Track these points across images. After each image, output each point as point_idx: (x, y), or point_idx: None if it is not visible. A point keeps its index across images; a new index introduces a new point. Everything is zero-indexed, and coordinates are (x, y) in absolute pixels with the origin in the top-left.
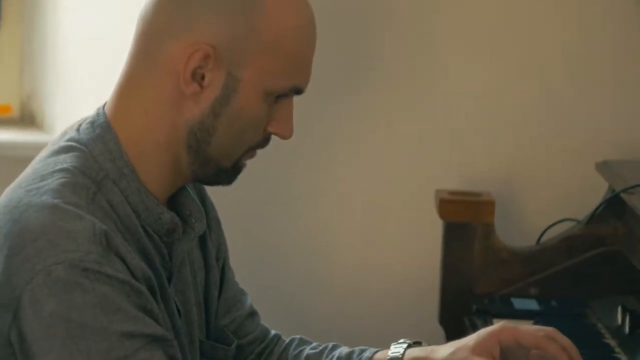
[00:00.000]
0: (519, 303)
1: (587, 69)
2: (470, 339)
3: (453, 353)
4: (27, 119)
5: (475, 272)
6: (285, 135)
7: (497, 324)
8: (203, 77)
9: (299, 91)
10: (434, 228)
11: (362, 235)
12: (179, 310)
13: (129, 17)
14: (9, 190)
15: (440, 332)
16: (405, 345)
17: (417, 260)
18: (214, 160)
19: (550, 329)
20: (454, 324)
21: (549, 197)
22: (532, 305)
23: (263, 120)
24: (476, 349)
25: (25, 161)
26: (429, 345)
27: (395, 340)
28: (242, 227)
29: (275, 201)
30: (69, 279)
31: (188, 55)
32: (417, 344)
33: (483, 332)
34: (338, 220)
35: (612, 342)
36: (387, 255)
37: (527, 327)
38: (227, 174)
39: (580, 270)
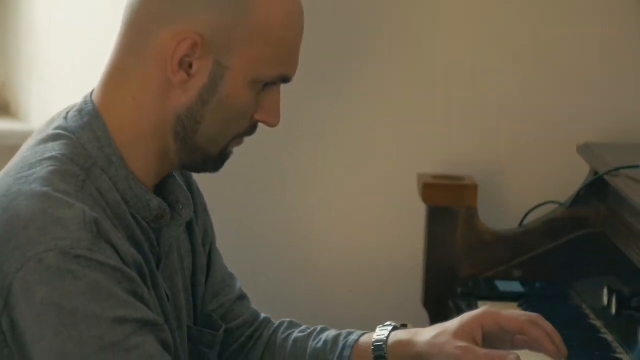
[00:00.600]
0: (503, 285)
1: (569, 53)
2: (453, 323)
3: (435, 337)
4: (1, 107)
5: (459, 255)
6: (273, 123)
7: (480, 309)
8: (191, 66)
9: (286, 79)
10: (417, 212)
11: (346, 219)
12: (167, 296)
13: (105, 4)
14: None
15: (424, 314)
16: (390, 328)
17: (401, 243)
18: (201, 148)
19: (533, 315)
20: (437, 307)
21: (531, 180)
22: (517, 287)
23: (250, 108)
24: (458, 333)
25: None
26: (415, 328)
27: (380, 323)
28: (229, 213)
29: (261, 188)
30: (60, 266)
31: (176, 43)
32: (403, 326)
33: (466, 316)
34: (322, 205)
35: (598, 323)
36: (371, 240)
37: (510, 312)
38: (214, 162)
39: (564, 252)
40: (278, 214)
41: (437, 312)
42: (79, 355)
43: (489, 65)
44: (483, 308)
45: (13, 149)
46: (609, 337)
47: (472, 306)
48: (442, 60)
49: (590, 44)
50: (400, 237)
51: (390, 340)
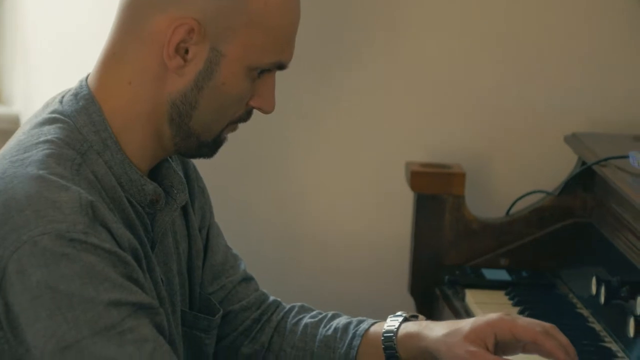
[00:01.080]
0: (490, 273)
1: (558, 42)
2: (466, 324)
3: (446, 335)
4: None
5: (446, 243)
6: (268, 109)
7: (495, 315)
8: (187, 51)
9: (282, 66)
10: (404, 200)
11: (333, 205)
12: (162, 280)
13: None
14: None
15: (410, 301)
16: (401, 319)
17: (389, 231)
18: (195, 134)
19: (548, 325)
20: (424, 294)
21: (518, 169)
22: (503, 275)
23: (245, 94)
24: (470, 336)
25: None
26: (426, 320)
27: (367, 309)
28: (223, 194)
29: (254, 173)
30: (56, 249)
31: (172, 29)
32: (414, 317)
33: (480, 319)
34: (312, 191)
35: (586, 312)
36: (359, 226)
37: (525, 321)
38: (209, 147)
39: (550, 241)
40: (270, 199)
41: (424, 299)
42: (74, 337)
43: (478, 54)
44: (498, 315)
45: None
46: (597, 327)
47: (458, 294)
48: (431, 50)
49: (581, 34)
50: (388, 224)
51: (401, 331)
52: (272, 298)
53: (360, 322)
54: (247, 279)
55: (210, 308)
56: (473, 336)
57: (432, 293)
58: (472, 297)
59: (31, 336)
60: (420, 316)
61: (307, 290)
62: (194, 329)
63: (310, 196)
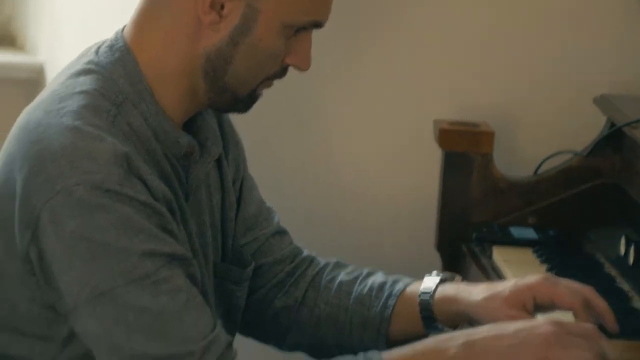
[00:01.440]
0: (517, 232)
1: (587, 3)
2: (505, 288)
3: (486, 299)
4: (8, 40)
5: (473, 201)
6: (303, 67)
7: (535, 277)
8: (222, 7)
9: (318, 25)
10: (432, 158)
11: (364, 161)
12: (195, 232)
13: None
14: (26, 112)
15: (437, 257)
16: (437, 280)
17: (415, 187)
18: (230, 89)
19: (587, 290)
20: (451, 251)
21: (547, 130)
22: (531, 234)
23: (281, 52)
24: (510, 299)
25: (4, 81)
26: (462, 281)
27: (394, 263)
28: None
29: (285, 130)
30: (91, 200)
31: None
32: (450, 277)
33: (520, 282)
34: (341, 147)
35: (614, 272)
36: (386, 184)
37: (565, 287)
38: (243, 103)
39: (578, 201)
40: (303, 155)
41: (451, 255)
42: (108, 286)
43: (507, 13)
44: (538, 278)
45: (21, 82)
46: (625, 287)
47: (486, 251)
48: (461, 9)
49: None
50: (415, 181)
51: (438, 294)
52: (306, 252)
53: (395, 282)
54: (281, 232)
55: (242, 260)
56: (513, 300)
57: (459, 250)
58: (499, 254)
59: (65, 284)
60: (458, 276)
61: (339, 245)
62: (225, 280)
63: (341, 152)
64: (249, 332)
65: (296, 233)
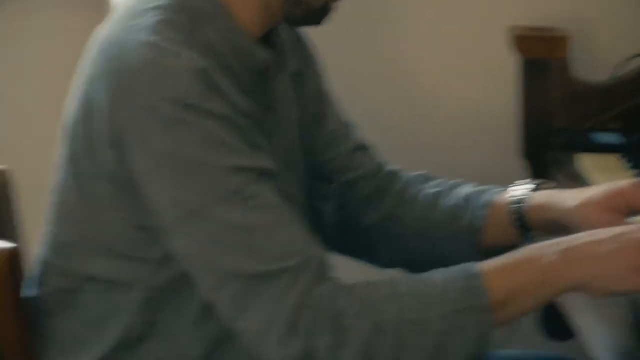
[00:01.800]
0: (601, 137)
1: None
2: (597, 193)
3: (579, 206)
4: None
5: (553, 107)
6: None
7: (626, 182)
8: None
9: None
10: (506, 65)
11: (436, 70)
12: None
13: None
14: (103, 29)
15: (517, 166)
16: (529, 188)
17: (490, 96)
18: (304, 1)
19: None
20: (534, 158)
21: (622, 32)
22: (615, 139)
23: None
24: (604, 204)
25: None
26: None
27: (475, 172)
28: (334, 64)
29: (362, 37)
30: (173, 115)
31: None
32: (542, 185)
33: (612, 188)
34: (415, 55)
35: None
36: (461, 91)
37: None
38: (318, 15)
39: None
40: (379, 65)
41: (535, 163)
42: (198, 203)
43: None
44: (630, 183)
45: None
46: None
47: (569, 158)
48: None
49: None
50: (489, 89)
51: (530, 202)
52: (390, 166)
53: (483, 192)
54: (363, 147)
55: (326, 176)
56: (607, 205)
57: (541, 157)
58: (585, 161)
59: (155, 204)
60: (550, 183)
61: (421, 157)
62: (310, 197)
63: (414, 59)
64: (342, 249)
65: (381, 147)
